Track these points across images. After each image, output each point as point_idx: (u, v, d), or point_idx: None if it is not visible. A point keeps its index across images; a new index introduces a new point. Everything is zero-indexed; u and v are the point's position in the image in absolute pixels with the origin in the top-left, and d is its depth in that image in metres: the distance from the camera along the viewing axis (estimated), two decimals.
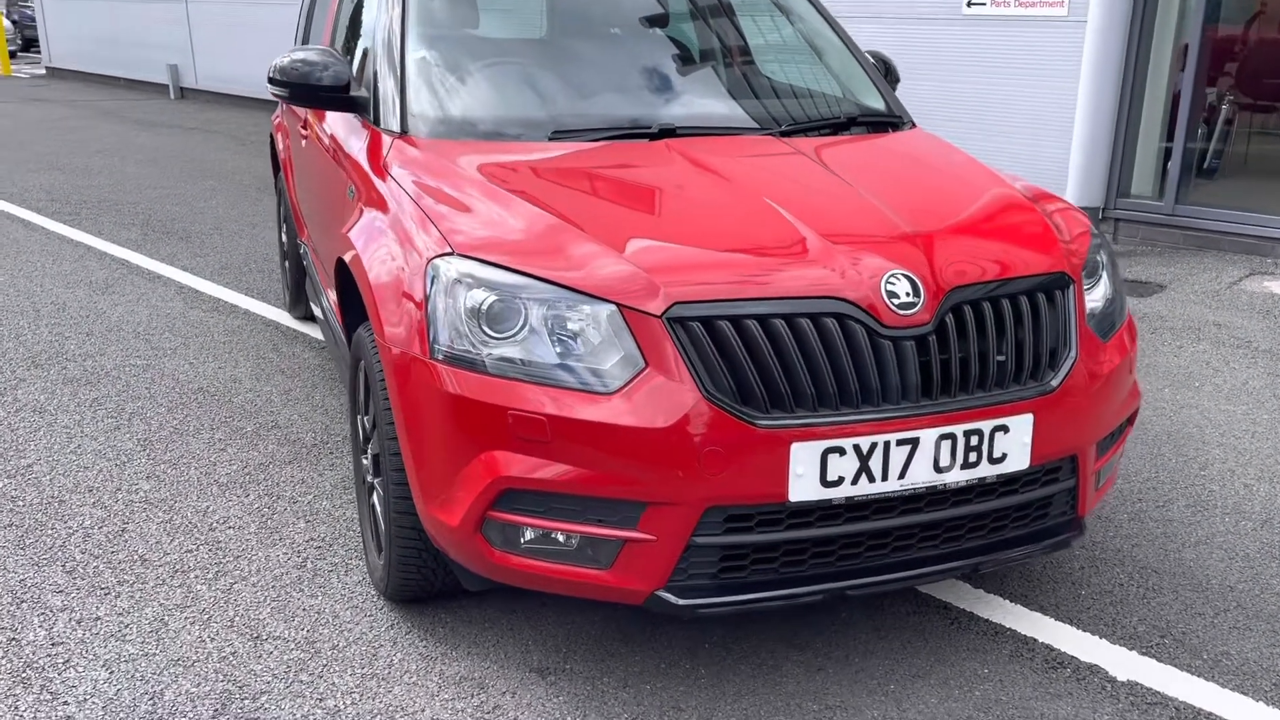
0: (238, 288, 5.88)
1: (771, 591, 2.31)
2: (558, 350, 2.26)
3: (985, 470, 2.37)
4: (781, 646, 2.70)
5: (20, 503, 3.40)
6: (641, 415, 2.19)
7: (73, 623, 2.75)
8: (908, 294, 2.32)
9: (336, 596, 2.90)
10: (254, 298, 5.69)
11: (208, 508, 3.38)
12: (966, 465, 2.35)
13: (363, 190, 3.00)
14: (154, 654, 2.63)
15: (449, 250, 2.39)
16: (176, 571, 3.01)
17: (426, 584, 2.70)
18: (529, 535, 2.32)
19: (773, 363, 2.22)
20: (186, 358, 4.75)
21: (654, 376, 2.21)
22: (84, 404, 4.22)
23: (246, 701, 2.46)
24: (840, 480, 2.25)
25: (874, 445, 2.25)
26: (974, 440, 2.34)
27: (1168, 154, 7.12)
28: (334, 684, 2.53)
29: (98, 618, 2.78)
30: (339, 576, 3.00)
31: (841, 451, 2.23)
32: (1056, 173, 7.18)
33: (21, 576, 2.96)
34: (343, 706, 2.44)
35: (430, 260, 2.40)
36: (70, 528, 3.24)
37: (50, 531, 3.22)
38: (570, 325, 2.27)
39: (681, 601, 2.27)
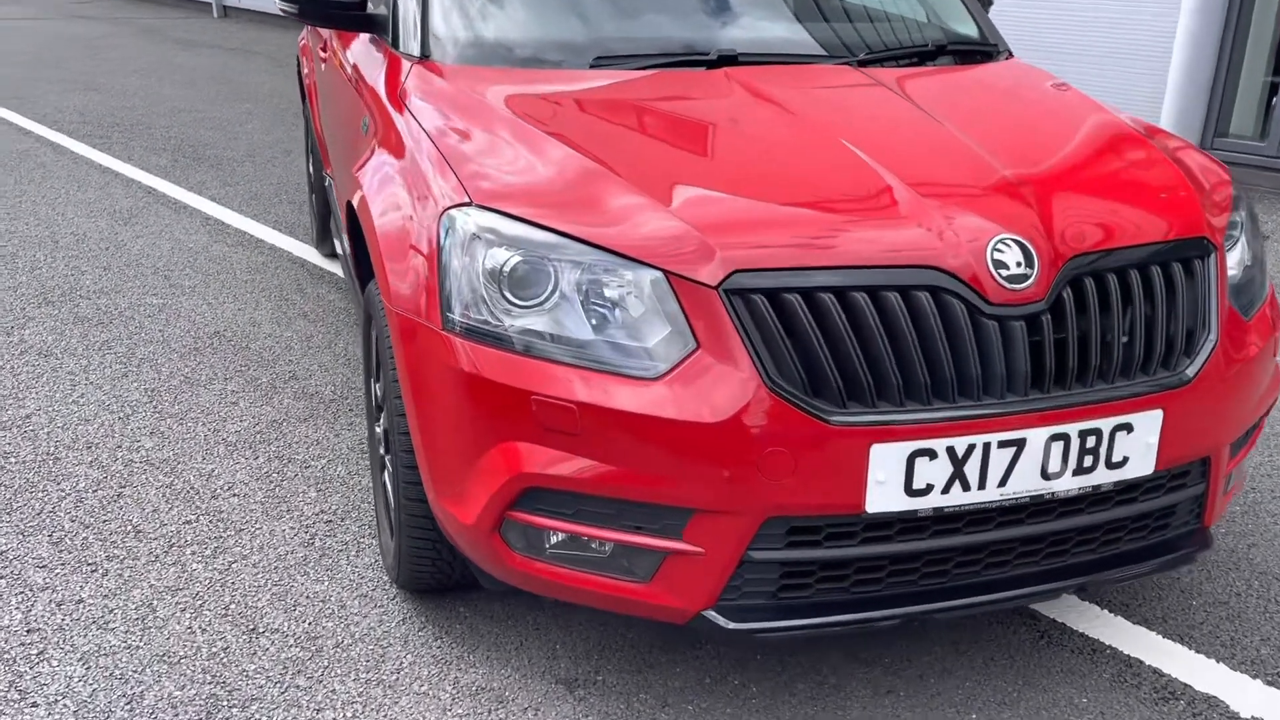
0: (266, 220, 5.55)
1: (840, 616, 1.95)
2: (593, 324, 1.88)
3: (1101, 477, 1.97)
4: (845, 662, 2.35)
5: (13, 459, 3.12)
6: (690, 406, 1.81)
7: (53, 605, 2.47)
8: (1019, 264, 1.91)
9: (344, 582, 2.59)
10: (282, 231, 5.37)
11: (212, 471, 3.08)
12: (1080, 471, 1.95)
13: (377, 123, 2.62)
14: (138, 647, 2.34)
15: (467, 200, 2.02)
16: (172, 546, 2.71)
17: (441, 577, 2.38)
18: (555, 539, 1.97)
19: (851, 345, 1.83)
20: (205, 297, 4.45)
21: (706, 360, 1.83)
22: (93, 347, 3.93)
23: (234, 710, 2.17)
24: (928, 489, 1.87)
25: (971, 448, 1.86)
26: (1090, 442, 1.94)
27: (1274, 90, 6.50)
28: (334, 691, 2.22)
29: (80, 600, 2.50)
30: (349, 557, 2.68)
31: (932, 455, 1.85)
32: (1149, 108, 6.60)
33: (3, 547, 2.69)
34: None
35: (445, 211, 2.03)
36: (63, 490, 2.96)
37: (41, 494, 2.94)
38: (608, 294, 1.89)
39: (732, 625, 1.92)
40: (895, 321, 1.85)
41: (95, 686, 2.22)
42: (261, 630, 2.41)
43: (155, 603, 2.50)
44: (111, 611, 2.46)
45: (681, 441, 1.82)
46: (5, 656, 2.30)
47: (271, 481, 3.04)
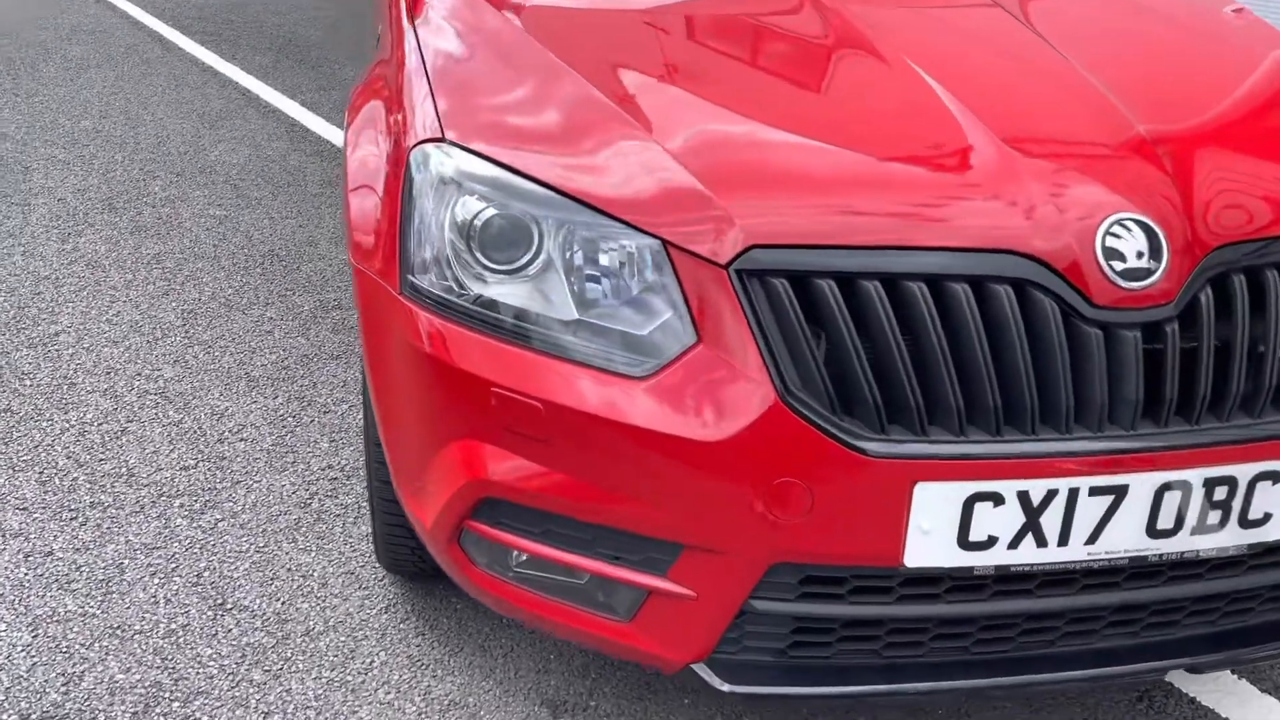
0: None
1: (867, 685, 1.54)
2: (577, 302, 1.50)
3: (1231, 538, 1.50)
4: (889, 713, 1.94)
5: (28, 382, 2.94)
6: (681, 417, 1.42)
7: (20, 557, 2.27)
8: (1141, 254, 1.43)
9: (332, 555, 2.30)
10: None
11: (226, 410, 2.84)
12: (1202, 530, 1.49)
13: (387, 38, 2.25)
14: (93, 615, 2.11)
15: (440, 135, 1.63)
16: (161, 496, 2.48)
17: (421, 564, 2.06)
18: (522, 558, 1.61)
19: (898, 351, 1.39)
20: (269, 212, 4.21)
21: (707, 357, 1.43)
22: (143, 260, 3.74)
23: (174, 705, 1.91)
24: (990, 542, 1.44)
25: (1052, 494, 1.42)
26: (1220, 493, 1.47)
27: None
28: (288, 691, 1.95)
29: (50, 553, 2.28)
30: (344, 525, 2.40)
31: (997, 500, 1.41)
32: None
33: None
34: None
35: (416, 146, 1.65)
36: (68, 421, 2.76)
37: (45, 424, 2.74)
38: (599, 266, 1.50)
39: (727, 687, 1.54)
40: (960, 322, 1.40)
41: (36, 660, 2.00)
42: (229, 606, 2.15)
43: (126, 563, 2.26)
44: (78, 569, 2.24)
45: (669, 460, 1.43)
46: None
47: (284, 427, 2.77)
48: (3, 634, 2.06)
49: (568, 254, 1.51)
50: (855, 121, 1.60)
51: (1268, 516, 1.50)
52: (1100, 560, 1.48)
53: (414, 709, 1.93)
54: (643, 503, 1.46)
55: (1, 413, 2.79)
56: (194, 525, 2.39)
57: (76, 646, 2.04)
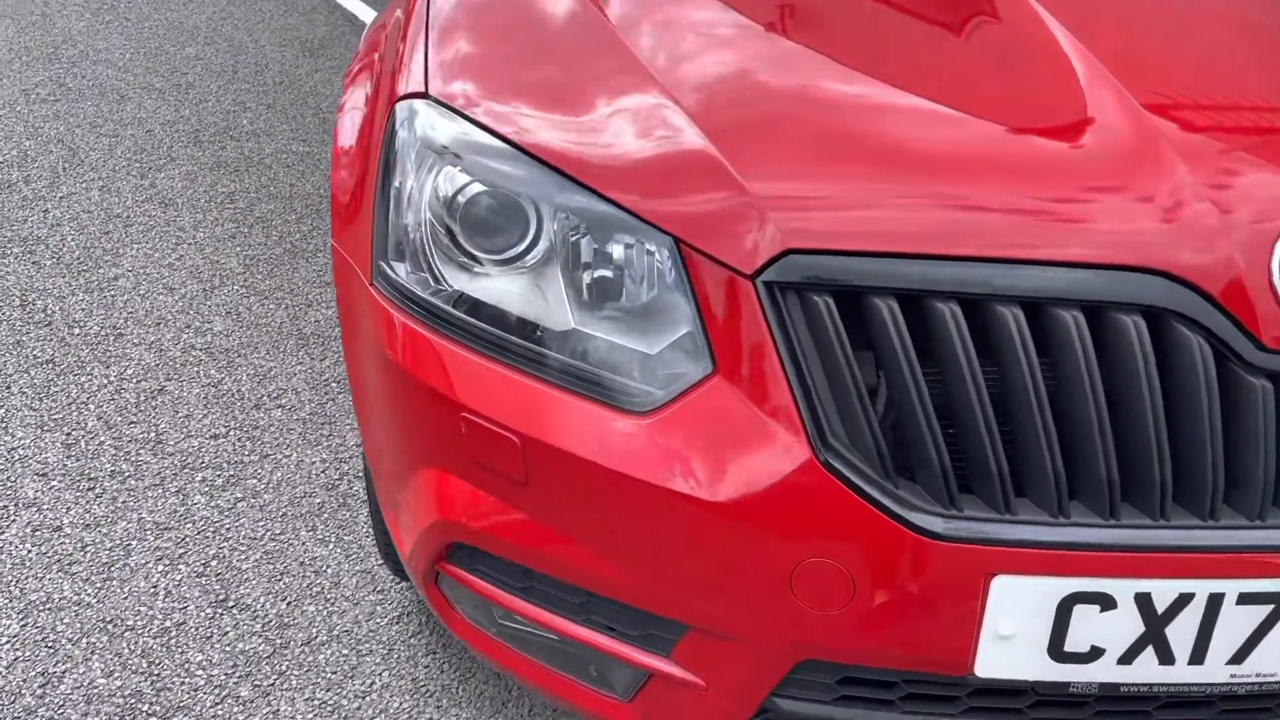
0: None
1: None
2: (577, 307, 1.18)
3: None
4: None
5: (77, 331, 2.80)
6: (690, 469, 1.10)
7: (27, 531, 2.11)
8: None
9: (351, 548, 2.08)
10: None
11: (269, 371, 2.63)
12: None
13: None
14: (89, 604, 1.94)
15: (423, 90, 1.32)
16: (184, 468, 2.29)
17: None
18: (504, 611, 1.33)
19: (978, 399, 1.03)
20: None
21: (725, 394, 1.10)
22: (217, 199, 3.57)
23: None
24: (1095, 654, 1.08)
25: (1185, 599, 1.05)
26: None
27: None
28: (275, 714, 1.73)
29: (59, 528, 2.12)
30: (368, 512, 2.16)
31: (1107, 603, 1.05)
32: None
33: (17, 443, 2.36)
34: None
35: (399, 101, 1.35)
36: (107, 377, 2.60)
37: (85, 379, 2.59)
38: (607, 265, 1.18)
39: None
40: (1066, 363, 1.03)
41: (19, 655, 1.84)
42: (231, 604, 1.95)
43: (134, 544, 2.08)
44: (84, 549, 2.07)
45: (671, 522, 1.11)
46: None
47: (326, 393, 2.55)
48: None
49: (567, 246, 1.19)
50: (938, 78, 1.22)
51: None
52: (1249, 684, 1.10)
53: None
54: (640, 570, 1.15)
55: (44, 364, 2.65)
56: (212, 504, 2.19)
57: (64, 641, 1.87)
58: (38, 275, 3.04)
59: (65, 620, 1.91)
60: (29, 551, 2.07)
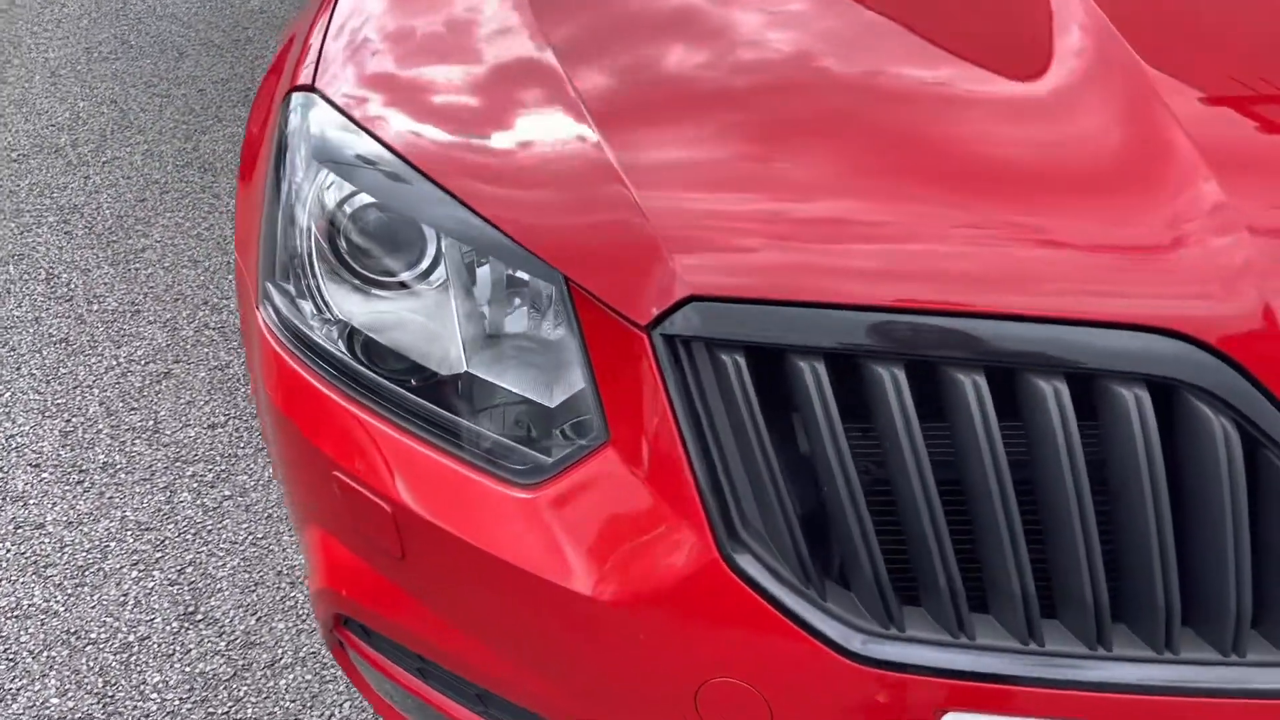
0: None
1: None
2: (470, 349, 0.99)
3: None
4: None
5: (95, 307, 2.72)
6: (574, 558, 0.90)
7: (10, 528, 2.04)
8: None
9: None
10: None
11: None
12: None
13: None
14: (56, 613, 1.85)
15: (311, 83, 1.13)
16: (176, 461, 2.19)
17: None
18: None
19: (923, 492, 0.80)
20: None
21: (619, 471, 0.89)
22: None
23: None
24: None
25: None
26: None
27: None
28: None
29: (41, 525, 2.05)
30: None
31: None
32: None
33: (16, 429, 2.29)
34: None
35: (287, 93, 1.16)
36: (116, 358, 2.52)
37: (94, 360, 2.51)
38: (504, 305, 0.98)
39: None
40: (1042, 446, 0.79)
41: None
42: (199, 617, 1.83)
43: (112, 545, 1.99)
44: (62, 550, 1.98)
45: (558, 620, 0.92)
46: None
47: None
48: None
49: (462, 277, 1.00)
50: (890, 72, 0.97)
51: None
52: None
53: None
54: (530, 672, 0.96)
55: (58, 343, 2.58)
56: (198, 503, 2.08)
57: (24, 654, 1.78)
58: (68, 246, 2.97)
59: (30, 630, 1.83)
60: (7, 551, 1.99)
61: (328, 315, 1.07)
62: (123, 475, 2.16)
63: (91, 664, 1.76)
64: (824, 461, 0.82)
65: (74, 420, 2.32)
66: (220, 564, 1.94)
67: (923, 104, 0.92)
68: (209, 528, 2.03)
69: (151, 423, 2.31)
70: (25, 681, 1.74)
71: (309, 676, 1.73)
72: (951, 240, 0.82)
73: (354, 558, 1.06)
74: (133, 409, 2.35)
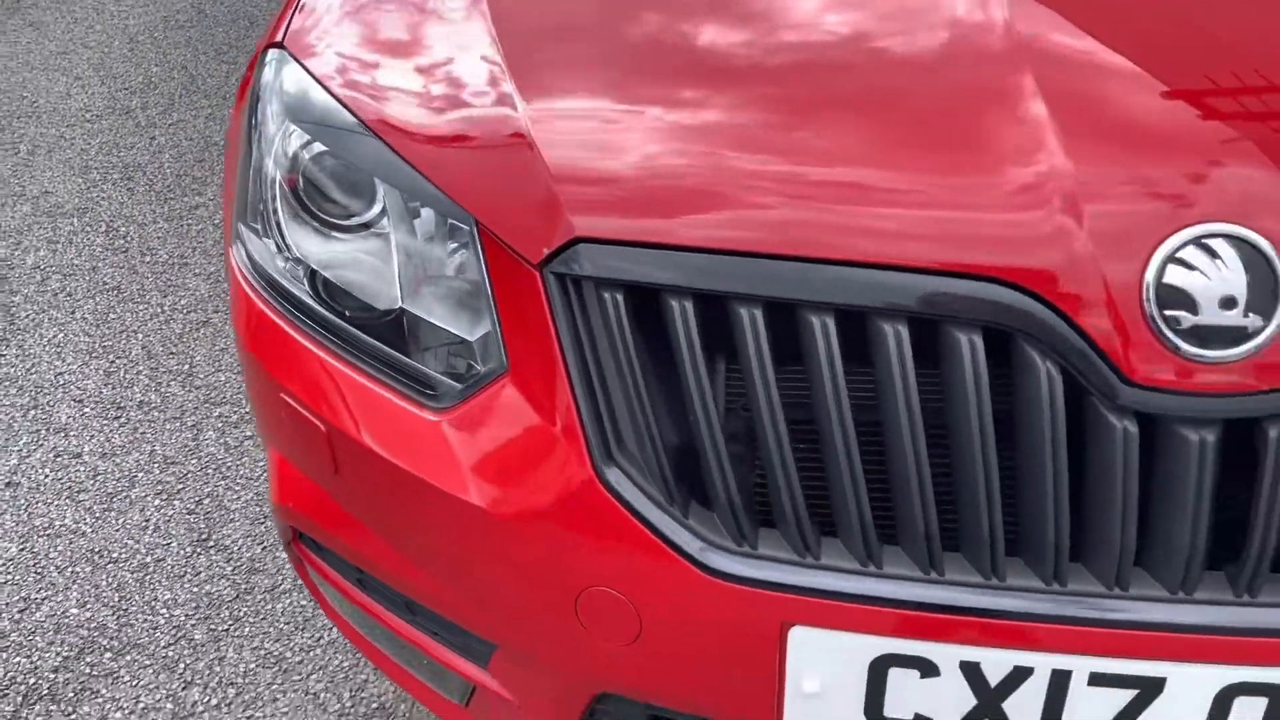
0: None
1: None
2: (407, 287, 1.08)
3: None
4: None
5: (148, 259, 2.89)
6: (474, 475, 0.99)
7: (49, 457, 2.20)
8: (1232, 301, 0.81)
9: None
10: None
11: None
12: None
13: None
14: (82, 534, 2.01)
15: (281, 40, 1.23)
16: (205, 403, 2.34)
17: None
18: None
19: (772, 422, 0.88)
20: None
21: (513, 396, 0.98)
22: None
23: (105, 656, 1.77)
24: None
25: (1022, 673, 0.88)
26: None
27: None
28: (221, 660, 1.75)
29: (79, 455, 2.21)
30: None
31: (928, 669, 0.89)
32: None
33: (65, 368, 2.46)
34: (197, 708, 1.67)
35: (263, 49, 1.27)
36: (162, 306, 2.68)
37: (142, 307, 2.67)
38: (432, 246, 1.08)
39: None
40: (884, 384, 0.85)
41: (8, 578, 1.93)
42: (211, 544, 1.97)
43: (139, 476, 2.14)
44: (95, 478, 2.14)
45: (460, 531, 1.01)
46: None
47: None
48: None
49: (405, 222, 1.09)
50: (789, 46, 1.02)
51: None
52: None
53: (337, 707, 1.67)
54: (442, 580, 1.06)
55: (110, 290, 2.75)
56: (220, 441, 2.23)
57: (51, 569, 1.94)
58: (128, 202, 3.15)
59: (59, 548, 1.98)
60: (45, 477, 2.15)
61: (288, 254, 1.17)
62: (156, 413, 2.32)
63: (110, 580, 1.91)
64: (689, 392, 0.89)
65: (117, 361, 2.49)
66: (235, 497, 2.08)
67: (799, 59, 0.99)
68: (229, 464, 2.17)
69: (187, 366, 2.46)
70: (50, 593, 1.89)
71: (304, 602, 1.85)
72: (812, 192, 0.89)
73: (300, 475, 1.16)
74: (171, 353, 2.51)
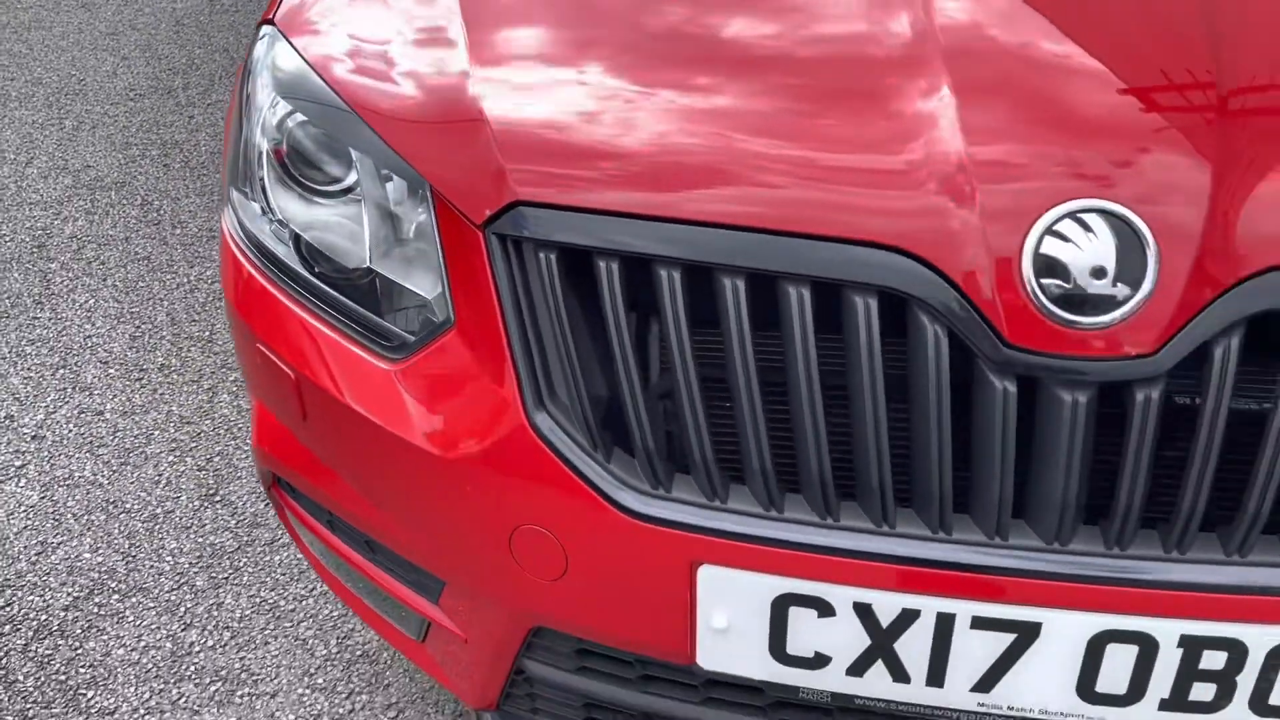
0: None
1: None
2: (376, 248, 1.17)
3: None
4: None
5: (178, 231, 3.01)
6: (420, 418, 1.08)
7: (74, 413, 2.33)
8: (1103, 270, 0.87)
9: None
10: None
11: None
12: (1179, 706, 0.94)
13: None
14: (100, 485, 2.13)
15: (271, 16, 1.33)
16: (223, 366, 2.45)
17: None
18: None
19: (685, 375, 0.95)
20: None
21: (457, 348, 1.06)
22: None
23: (113, 598, 1.88)
24: (821, 661, 1.00)
25: (910, 615, 0.95)
26: (1213, 661, 0.91)
27: None
28: (219, 606, 1.86)
29: (101, 413, 2.33)
30: None
31: (824, 609, 0.96)
32: None
33: (94, 331, 2.59)
34: (194, 649, 1.77)
35: (259, 25, 1.36)
36: (188, 276, 2.80)
37: (169, 277, 2.80)
38: (406, 205, 1.16)
39: None
40: (786, 342, 0.93)
41: (28, 523, 2.05)
42: (218, 499, 2.08)
43: (156, 434, 2.26)
44: (115, 434, 2.26)
45: (409, 473, 1.10)
46: None
47: None
48: (18, 490, 2.13)
49: (378, 187, 1.18)
50: (732, 28, 1.09)
51: None
52: (1001, 715, 0.98)
53: (324, 652, 1.77)
54: (395, 518, 1.14)
55: (141, 260, 2.87)
56: (234, 403, 2.34)
57: (69, 516, 2.06)
58: (164, 177, 3.28)
59: (77, 497, 2.10)
60: (68, 432, 2.28)
61: (272, 216, 1.26)
62: (175, 376, 2.43)
63: (122, 529, 2.03)
64: (613, 345, 0.97)
65: (143, 327, 2.61)
66: (244, 457, 2.19)
67: (733, 34, 1.06)
68: (240, 425, 2.27)
69: (208, 333, 2.58)
70: (66, 538, 2.01)
71: (300, 556, 1.95)
72: (741, 167, 0.96)
73: (275, 421, 1.26)
74: (194, 320, 2.62)
